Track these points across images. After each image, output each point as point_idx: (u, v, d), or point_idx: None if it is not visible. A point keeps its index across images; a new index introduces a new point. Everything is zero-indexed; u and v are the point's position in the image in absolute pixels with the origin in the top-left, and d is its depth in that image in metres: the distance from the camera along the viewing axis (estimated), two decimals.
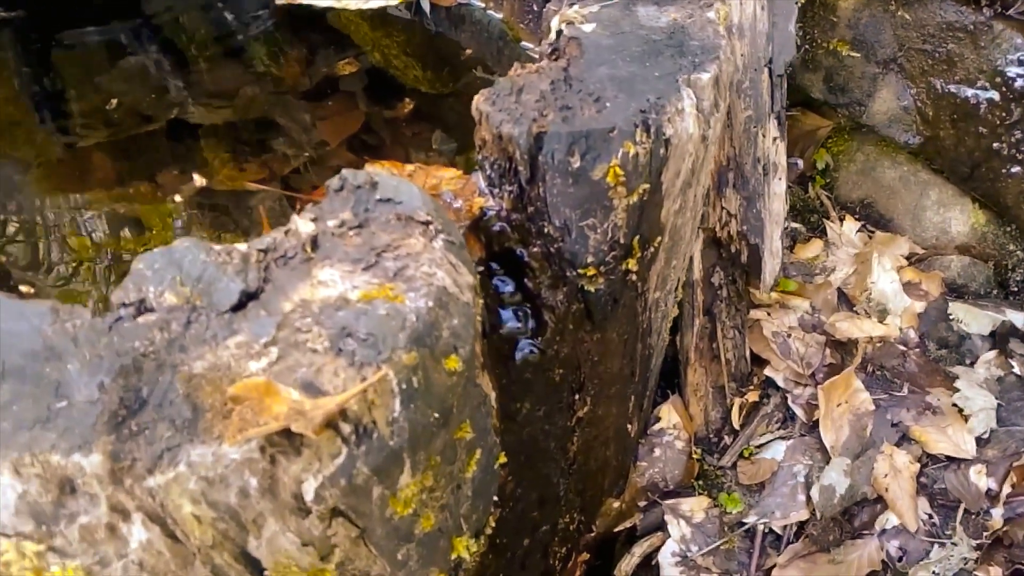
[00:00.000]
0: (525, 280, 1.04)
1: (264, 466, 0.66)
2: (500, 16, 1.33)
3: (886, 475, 1.40)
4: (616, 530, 1.51)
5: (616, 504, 1.48)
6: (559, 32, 1.10)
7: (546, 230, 0.99)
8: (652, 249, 1.06)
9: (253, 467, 0.65)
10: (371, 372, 0.69)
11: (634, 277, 1.06)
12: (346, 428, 0.68)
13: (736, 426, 1.48)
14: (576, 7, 1.11)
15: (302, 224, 0.81)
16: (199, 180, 1.03)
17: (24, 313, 0.71)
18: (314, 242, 0.80)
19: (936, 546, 1.36)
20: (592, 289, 1.03)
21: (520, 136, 0.93)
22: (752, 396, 1.50)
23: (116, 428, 0.65)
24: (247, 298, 0.74)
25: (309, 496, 0.67)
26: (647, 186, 0.97)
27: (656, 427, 1.48)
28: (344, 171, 0.85)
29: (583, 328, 1.08)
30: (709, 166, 1.13)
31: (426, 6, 1.40)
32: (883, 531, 1.39)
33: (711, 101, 1.03)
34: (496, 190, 1.01)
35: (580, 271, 1.01)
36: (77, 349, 0.69)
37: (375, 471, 0.70)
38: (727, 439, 1.49)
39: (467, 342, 0.79)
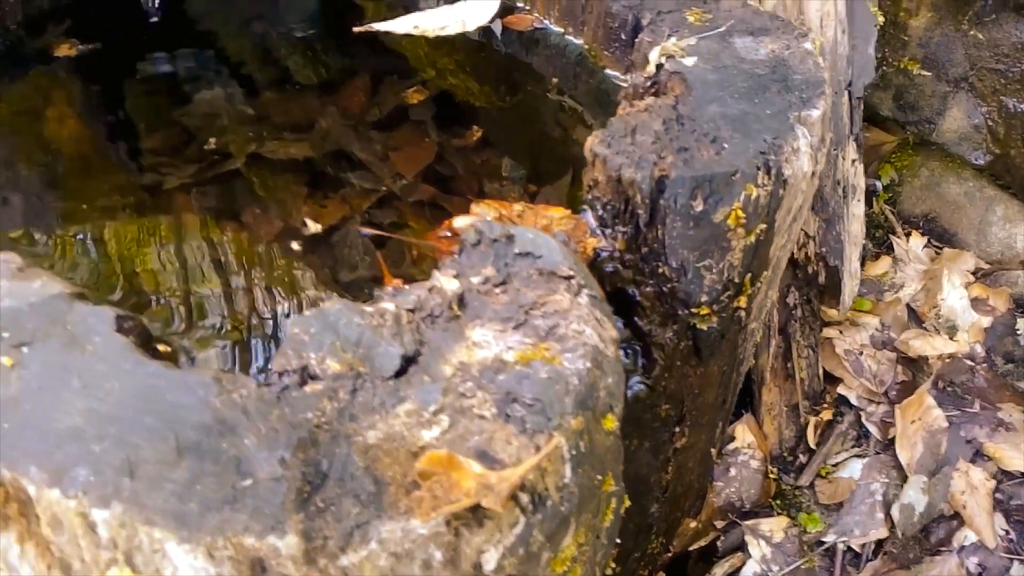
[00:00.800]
0: (635, 319, 1.04)
1: (449, 539, 0.66)
2: (580, 42, 1.32)
3: (963, 492, 1.41)
4: (690, 549, 1.52)
5: (693, 524, 1.49)
6: (659, 65, 1.10)
7: (661, 270, 0.99)
8: (759, 284, 1.07)
9: (439, 540, 0.65)
10: (543, 440, 0.69)
11: (742, 313, 1.06)
12: (524, 498, 0.68)
13: (812, 445, 1.49)
14: (674, 40, 1.11)
15: (446, 281, 0.81)
16: (313, 226, 1.02)
17: (188, 384, 0.71)
18: (460, 300, 0.80)
19: (1016, 563, 1.37)
20: (704, 328, 1.03)
21: (643, 181, 0.93)
22: (826, 414, 1.51)
23: (303, 505, 0.65)
24: (407, 362, 0.74)
25: (490, 566, 0.68)
26: (764, 226, 0.98)
27: (731, 447, 1.49)
28: (479, 223, 0.85)
29: (689, 363, 1.08)
30: (811, 198, 1.13)
31: (497, 29, 1.39)
32: (961, 548, 1.41)
33: (819, 136, 1.03)
34: (608, 231, 1.01)
35: (693, 310, 1.01)
36: (250, 422, 0.69)
37: (548, 537, 0.71)
38: (802, 458, 1.50)
39: (619, 400, 0.79)
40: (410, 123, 1.43)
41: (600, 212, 1.01)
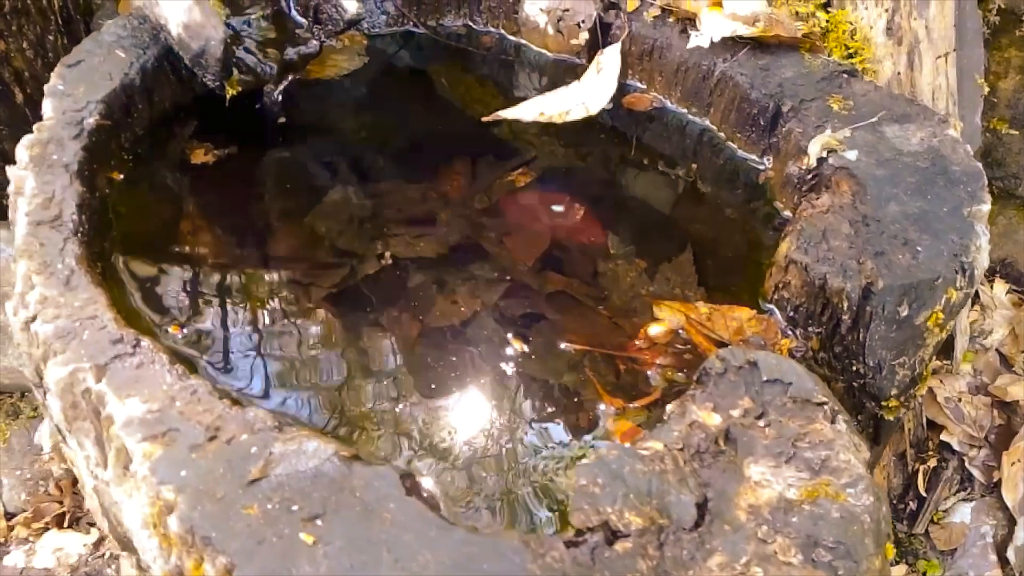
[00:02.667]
0: None
1: None
2: (706, 122, 1.34)
3: None
4: None
5: None
6: (821, 159, 1.12)
7: (855, 368, 1.01)
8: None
9: None
10: None
11: (919, 398, 1.10)
12: None
13: (922, 492, 1.54)
14: (830, 131, 1.13)
15: (706, 416, 0.82)
16: (519, 345, 1.01)
17: (500, 550, 0.71)
18: (726, 435, 0.81)
19: None
20: (891, 418, 1.06)
21: (852, 291, 0.95)
22: (932, 461, 1.56)
23: None
24: (699, 508, 0.75)
25: None
26: (953, 322, 1.01)
27: None
28: (722, 352, 0.86)
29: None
30: None
31: (597, 106, 1.38)
32: None
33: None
34: (799, 331, 1.03)
35: (883, 403, 1.04)
36: None
37: None
38: (911, 505, 1.55)
39: (888, 522, 0.81)
40: (519, 207, 1.43)
41: (790, 313, 1.04)
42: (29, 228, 0.96)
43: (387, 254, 1.17)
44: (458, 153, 1.48)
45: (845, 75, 1.24)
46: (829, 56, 1.31)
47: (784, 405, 0.84)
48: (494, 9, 1.46)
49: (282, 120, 1.26)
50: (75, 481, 1.85)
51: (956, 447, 1.59)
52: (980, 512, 1.54)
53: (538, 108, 1.33)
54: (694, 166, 1.31)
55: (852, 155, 1.11)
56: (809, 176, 1.13)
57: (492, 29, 1.48)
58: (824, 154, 1.12)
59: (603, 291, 1.33)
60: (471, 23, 1.49)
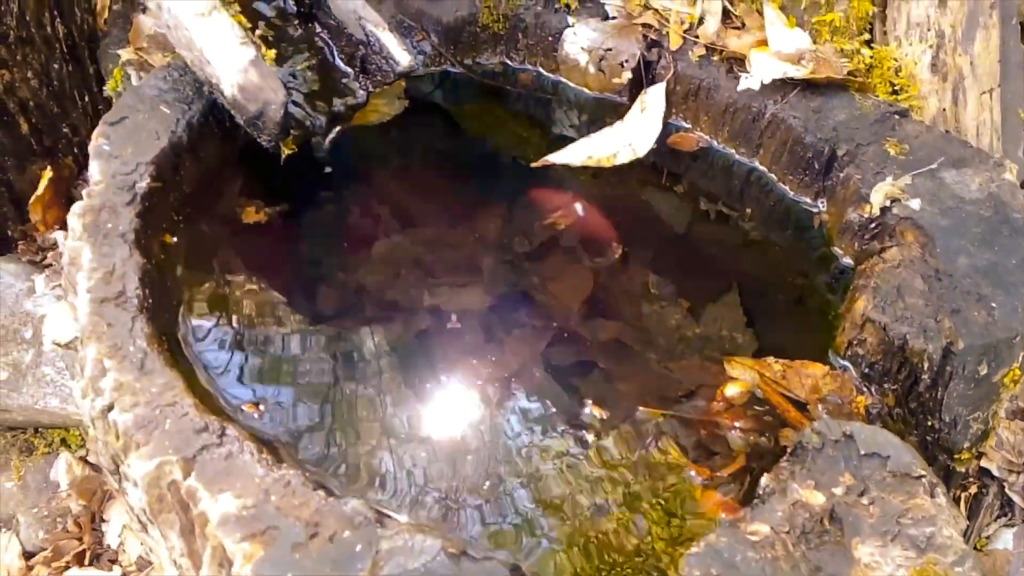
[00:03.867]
0: None
1: None
2: (754, 163, 1.33)
3: None
4: None
5: None
6: (884, 208, 1.12)
7: (930, 423, 1.01)
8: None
9: None
10: None
11: (984, 447, 1.10)
12: None
13: (964, 519, 1.55)
14: (891, 179, 1.13)
15: (810, 495, 0.81)
16: (598, 412, 1.00)
17: None
18: (831, 515, 0.81)
19: None
20: (961, 469, 1.06)
21: (933, 352, 0.95)
22: (972, 488, 1.57)
23: None
24: None
25: None
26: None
27: None
28: (817, 424, 0.86)
29: None
30: None
31: (644, 148, 1.36)
32: None
33: None
34: (874, 387, 1.03)
35: (955, 456, 1.04)
36: None
37: None
38: None
39: None
40: (560, 249, 1.41)
41: (865, 369, 1.03)
42: (93, 306, 0.93)
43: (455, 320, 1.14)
44: (496, 194, 1.47)
45: (896, 116, 1.23)
46: (875, 94, 1.31)
47: (884, 480, 0.83)
48: (532, 47, 1.44)
49: (328, 170, 1.24)
50: (93, 517, 1.82)
51: (996, 473, 1.60)
52: (1021, 538, 1.55)
53: (586, 152, 1.31)
54: (749, 210, 1.30)
55: (915, 204, 1.10)
56: (872, 225, 1.12)
57: (529, 67, 1.46)
58: (887, 203, 1.11)
59: (648, 334, 1.32)
60: (508, 60, 1.46)
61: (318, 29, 1.24)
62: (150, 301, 0.97)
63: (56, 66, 1.79)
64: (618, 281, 1.39)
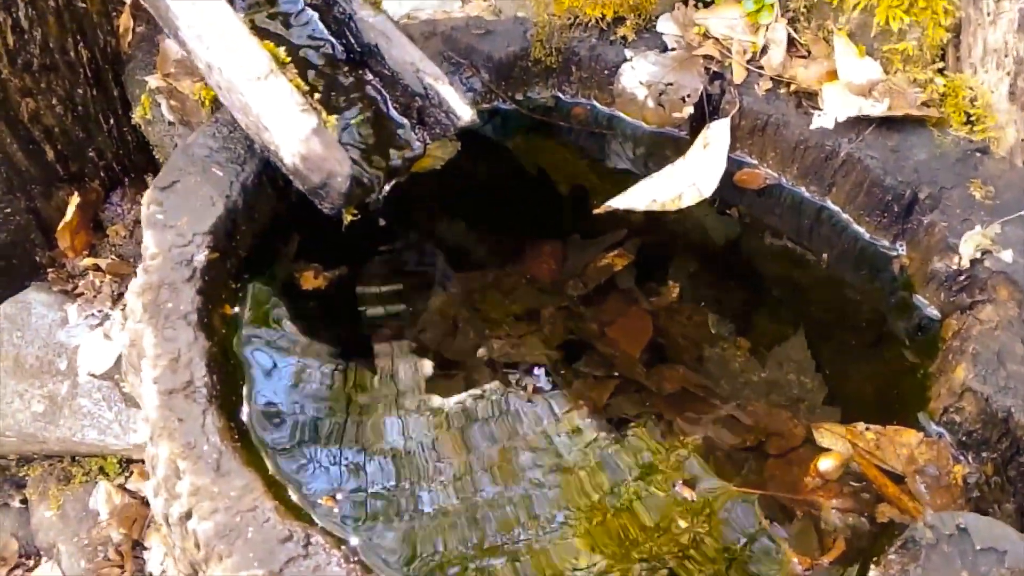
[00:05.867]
0: None
1: None
2: (826, 202, 1.27)
3: None
4: None
5: None
6: (974, 260, 1.06)
7: None
8: None
9: None
10: None
11: None
12: None
13: None
14: (980, 228, 1.07)
15: None
16: (689, 493, 0.96)
17: None
18: None
19: None
20: None
21: None
22: None
23: None
24: None
25: None
26: None
27: None
28: (930, 518, 0.82)
29: None
30: None
31: (710, 188, 1.29)
32: None
33: None
34: (971, 454, 0.98)
35: None
36: None
37: None
38: None
39: None
40: (617, 291, 1.36)
41: (962, 437, 0.99)
42: (161, 399, 0.90)
43: (530, 389, 1.10)
44: (550, 231, 1.41)
45: (978, 153, 1.17)
46: (949, 124, 1.25)
47: None
48: (586, 80, 1.38)
49: (383, 223, 1.19)
50: (134, 546, 1.81)
51: None
52: None
53: (649, 195, 1.26)
54: (825, 255, 1.24)
55: (1008, 256, 1.05)
56: (961, 277, 1.07)
57: (583, 100, 1.40)
58: (977, 254, 1.06)
59: (712, 378, 1.28)
60: (560, 94, 1.40)
61: (369, 76, 1.19)
62: (218, 388, 0.93)
63: (80, 91, 1.74)
64: (677, 322, 1.34)
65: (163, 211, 1.06)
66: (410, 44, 1.11)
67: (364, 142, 1.14)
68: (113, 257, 1.90)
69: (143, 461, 1.78)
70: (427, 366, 1.16)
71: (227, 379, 0.97)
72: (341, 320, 1.16)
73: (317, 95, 1.12)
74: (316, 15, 1.23)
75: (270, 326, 1.07)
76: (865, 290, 1.24)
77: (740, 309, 1.33)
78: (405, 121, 1.17)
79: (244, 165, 1.12)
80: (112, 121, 1.83)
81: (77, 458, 1.85)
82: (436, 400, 1.10)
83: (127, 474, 1.82)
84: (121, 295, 1.85)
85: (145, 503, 1.78)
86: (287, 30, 1.24)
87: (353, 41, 1.18)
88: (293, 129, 0.97)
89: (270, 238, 1.16)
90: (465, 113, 1.09)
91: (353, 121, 1.15)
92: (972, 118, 1.27)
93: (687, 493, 0.94)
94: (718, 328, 1.30)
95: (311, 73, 1.20)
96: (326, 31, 1.22)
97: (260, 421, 0.97)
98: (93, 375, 1.75)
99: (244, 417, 0.96)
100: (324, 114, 1.01)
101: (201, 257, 1.02)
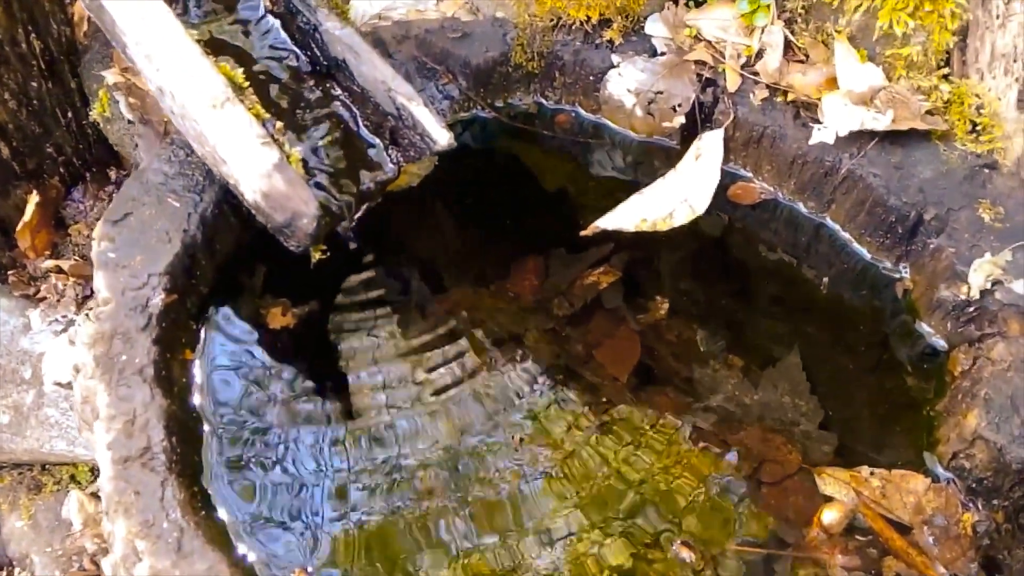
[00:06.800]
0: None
1: None
2: (823, 219, 1.20)
3: None
4: None
5: None
6: (984, 291, 1.00)
7: None
8: None
9: None
10: None
11: None
12: None
13: None
14: (989, 256, 1.01)
15: None
16: (687, 553, 0.90)
17: None
18: None
19: None
20: None
21: None
22: None
23: None
24: None
25: None
26: None
27: None
28: None
29: None
30: None
31: (703, 204, 1.22)
32: None
33: None
34: (981, 501, 0.93)
35: None
36: None
37: None
38: None
39: None
40: (603, 311, 1.29)
41: (971, 484, 0.94)
42: (116, 469, 0.82)
43: (516, 439, 1.03)
44: (532, 244, 1.34)
45: (986, 169, 1.11)
46: (954, 133, 1.18)
47: None
48: (570, 85, 1.29)
49: (353, 246, 1.11)
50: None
51: None
52: None
53: (639, 213, 1.18)
54: (825, 279, 1.18)
55: (1020, 287, 0.99)
56: (970, 308, 1.01)
57: (567, 107, 1.32)
58: (988, 284, 1.00)
59: (702, 400, 1.22)
60: (543, 100, 1.32)
61: (337, 91, 1.10)
62: (178, 452, 0.86)
63: (35, 84, 1.63)
64: (666, 341, 1.28)
65: (115, 248, 0.97)
66: (381, 61, 1.02)
67: (333, 165, 1.06)
68: (76, 258, 1.81)
69: None
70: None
71: (187, 438, 0.89)
72: (312, 356, 1.08)
73: (281, 117, 1.03)
74: (278, 23, 1.13)
75: (233, 370, 1.00)
76: (864, 312, 1.18)
77: (731, 326, 1.27)
78: (377, 141, 1.08)
79: (203, 194, 1.03)
80: (70, 115, 1.72)
81: (47, 466, 1.78)
82: (416, 449, 1.04)
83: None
84: (87, 298, 1.77)
85: None
86: (246, 39, 1.14)
87: (319, 54, 1.08)
88: (253, 164, 0.89)
89: (234, 270, 1.08)
90: (442, 137, 1.00)
91: (322, 142, 1.06)
92: (978, 127, 1.20)
93: (686, 554, 0.89)
94: (708, 346, 1.23)
95: (274, 88, 1.11)
96: (289, 41, 1.13)
97: (223, 481, 0.90)
98: (60, 384, 1.67)
99: (207, 482, 0.89)
100: (287, 146, 0.92)
101: (157, 301, 0.94)
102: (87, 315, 0.92)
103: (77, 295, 1.75)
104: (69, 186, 1.83)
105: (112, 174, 1.79)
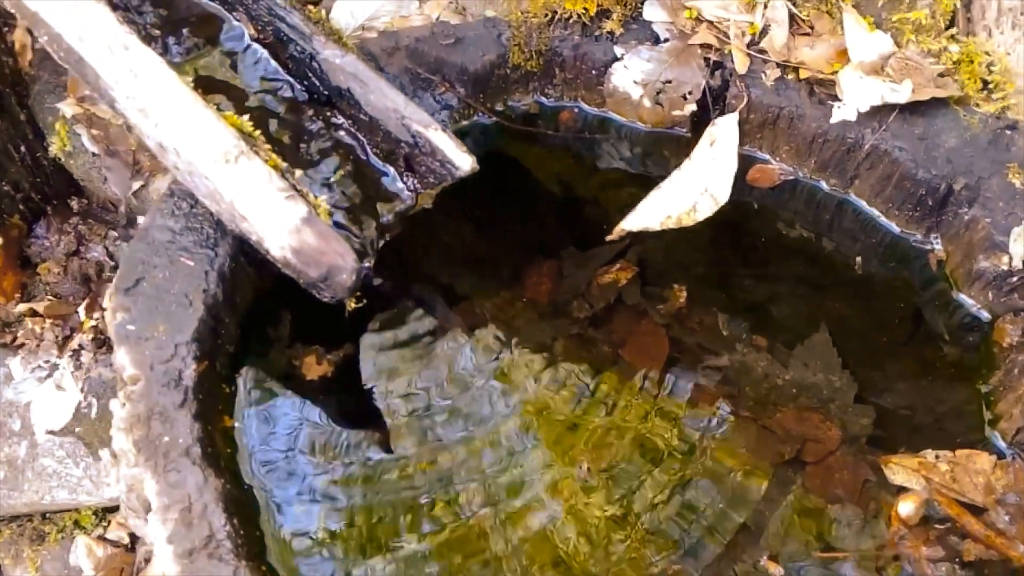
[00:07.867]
0: None
1: None
2: (848, 195, 1.17)
3: None
4: None
5: None
6: None
7: None
8: None
9: None
10: None
11: None
12: None
13: None
14: None
15: None
16: (774, 568, 0.88)
17: None
18: None
19: None
20: None
21: None
22: None
23: None
24: None
25: None
26: None
27: None
28: None
29: None
30: None
31: (724, 193, 1.18)
32: None
33: None
34: None
35: None
36: None
37: None
38: None
39: None
40: (623, 306, 1.26)
41: None
42: (183, 564, 0.77)
43: (585, 468, 1.00)
44: (546, 246, 1.30)
45: (1008, 131, 1.10)
46: (965, 91, 1.16)
47: None
48: (571, 81, 1.24)
49: (377, 282, 1.06)
50: None
51: None
52: None
53: (662, 210, 1.15)
54: (859, 259, 1.16)
55: None
56: (1013, 278, 1.00)
57: (569, 103, 1.27)
58: None
59: (736, 387, 1.21)
60: (543, 98, 1.27)
61: (339, 120, 1.04)
62: (242, 535, 0.81)
63: None
64: (688, 328, 1.25)
65: (133, 320, 0.91)
66: (389, 87, 0.96)
67: (350, 200, 1.00)
68: (49, 298, 1.72)
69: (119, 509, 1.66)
70: None
71: (246, 516, 0.85)
72: (348, 399, 1.03)
73: (284, 153, 0.96)
74: (266, 52, 1.06)
75: (276, 430, 0.95)
76: (894, 285, 1.17)
77: (753, 307, 1.25)
78: (390, 169, 1.03)
79: (216, 248, 0.97)
80: (24, 149, 1.62)
81: (48, 515, 1.72)
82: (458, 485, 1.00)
83: (105, 524, 1.69)
84: (67, 339, 1.69)
85: (129, 550, 1.67)
86: (235, 73, 1.07)
87: (318, 83, 1.02)
88: (279, 220, 0.83)
89: (258, 319, 1.02)
90: (464, 163, 0.95)
91: (334, 177, 1.00)
92: (990, 85, 1.18)
93: (774, 569, 0.87)
94: (730, 329, 1.22)
95: (273, 123, 1.04)
96: (282, 70, 1.06)
97: (287, 554, 0.86)
98: (52, 432, 1.60)
99: (273, 559, 0.85)
100: (311, 196, 0.86)
101: (190, 372, 0.88)
102: (119, 399, 0.86)
103: (57, 337, 1.67)
104: (32, 223, 1.74)
105: (74, 205, 1.70)
